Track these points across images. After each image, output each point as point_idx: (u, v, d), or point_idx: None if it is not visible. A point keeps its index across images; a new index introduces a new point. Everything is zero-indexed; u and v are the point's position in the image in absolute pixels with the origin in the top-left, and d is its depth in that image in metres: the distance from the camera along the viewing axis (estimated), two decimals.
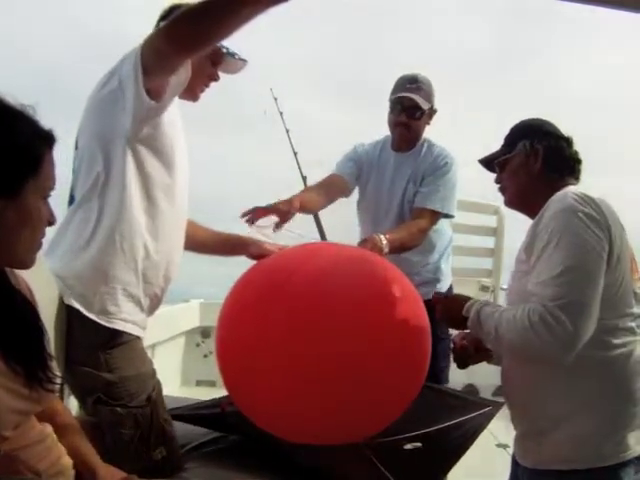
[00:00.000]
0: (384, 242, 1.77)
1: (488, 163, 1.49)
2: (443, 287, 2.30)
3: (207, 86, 1.62)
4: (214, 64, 1.59)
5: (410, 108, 2.12)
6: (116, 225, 1.39)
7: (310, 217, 2.16)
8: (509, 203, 1.46)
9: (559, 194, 1.28)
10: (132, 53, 1.35)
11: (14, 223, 0.94)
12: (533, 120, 1.46)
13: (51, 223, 1.02)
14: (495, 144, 1.50)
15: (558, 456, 1.25)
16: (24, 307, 1.04)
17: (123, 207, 1.39)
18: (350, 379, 1.31)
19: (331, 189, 2.17)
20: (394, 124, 2.18)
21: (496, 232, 3.48)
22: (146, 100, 1.35)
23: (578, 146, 1.42)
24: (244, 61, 1.63)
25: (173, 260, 1.54)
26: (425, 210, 2.08)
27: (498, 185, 1.47)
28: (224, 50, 1.58)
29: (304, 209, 1.95)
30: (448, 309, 1.41)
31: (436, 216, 2.10)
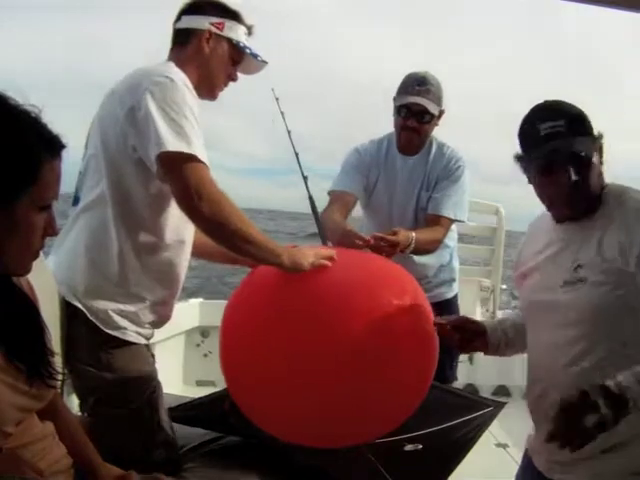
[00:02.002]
0: (413, 241, 1.76)
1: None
2: (456, 286, 2.31)
3: (226, 85, 1.58)
4: (234, 64, 1.56)
5: (419, 113, 2.01)
6: (118, 241, 1.38)
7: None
8: (580, 209, 1.24)
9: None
10: (165, 121, 1.29)
11: (2, 231, 0.91)
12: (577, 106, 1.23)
13: (50, 234, 0.98)
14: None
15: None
16: (24, 304, 1.03)
17: (126, 223, 1.38)
18: (354, 382, 1.32)
19: (347, 209, 2.07)
20: (401, 127, 2.06)
21: (496, 232, 3.48)
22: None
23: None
24: (265, 62, 1.59)
25: (179, 277, 1.52)
26: (441, 218, 2.04)
27: (571, 183, 1.18)
28: (247, 51, 1.55)
29: None
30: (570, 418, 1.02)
31: (450, 223, 2.08)
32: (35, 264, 1.02)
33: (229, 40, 1.52)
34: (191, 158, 1.29)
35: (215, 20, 1.50)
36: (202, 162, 1.31)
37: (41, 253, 1.04)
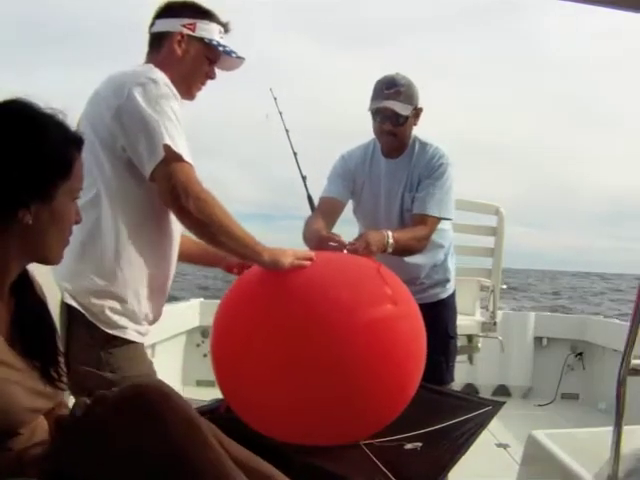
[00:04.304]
0: (390, 241, 1.75)
1: None
2: (451, 287, 2.30)
3: (204, 84, 1.60)
4: (211, 62, 1.58)
5: (392, 116, 2.00)
6: (116, 241, 1.39)
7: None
8: None
9: None
10: (153, 120, 1.33)
11: (47, 224, 0.99)
12: None
13: (77, 222, 1.07)
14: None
15: None
16: (39, 304, 1.07)
17: (124, 222, 1.40)
18: (343, 381, 1.33)
19: (333, 215, 2.10)
20: (379, 133, 2.08)
21: (496, 232, 3.48)
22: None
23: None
24: (241, 59, 1.61)
25: (169, 274, 1.54)
26: (425, 216, 2.02)
27: None
28: (221, 49, 1.56)
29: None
30: None
31: (436, 221, 2.05)
32: (37, 265, 1.04)
33: (202, 40, 1.54)
34: (178, 157, 1.33)
35: (187, 21, 1.52)
36: (188, 162, 1.35)
37: None
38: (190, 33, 1.52)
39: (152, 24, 1.56)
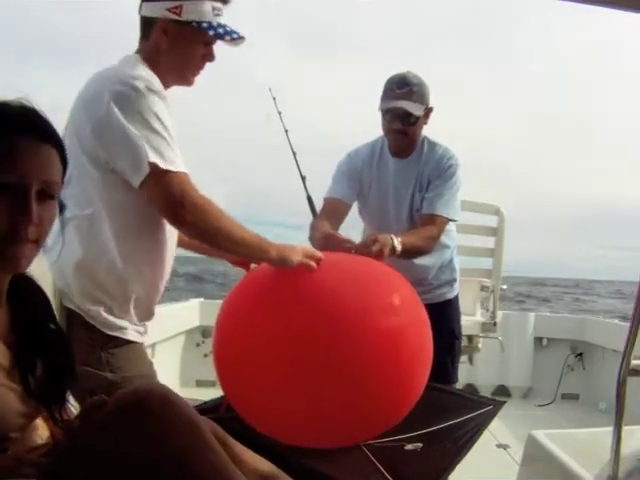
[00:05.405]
0: (396, 242, 1.73)
1: None
2: (457, 287, 2.30)
3: (201, 68, 1.49)
4: (207, 44, 1.46)
5: (402, 116, 1.98)
6: (112, 247, 1.37)
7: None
8: None
9: None
10: (137, 131, 1.27)
11: None
12: None
13: (23, 221, 0.90)
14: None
15: None
16: (40, 312, 1.05)
17: (117, 231, 1.38)
18: (348, 383, 1.32)
19: (338, 217, 2.08)
20: (388, 131, 2.06)
21: (496, 232, 3.48)
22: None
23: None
24: (241, 38, 1.46)
25: (165, 275, 1.52)
26: (434, 217, 2.01)
27: None
28: (211, 32, 1.42)
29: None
30: None
31: (444, 222, 2.04)
32: (36, 267, 1.02)
33: (190, 23, 1.40)
34: (166, 172, 1.28)
35: (171, 5, 1.38)
36: (179, 171, 1.30)
37: (42, 258, 1.03)
38: (175, 18, 1.39)
39: (140, 6, 1.45)
